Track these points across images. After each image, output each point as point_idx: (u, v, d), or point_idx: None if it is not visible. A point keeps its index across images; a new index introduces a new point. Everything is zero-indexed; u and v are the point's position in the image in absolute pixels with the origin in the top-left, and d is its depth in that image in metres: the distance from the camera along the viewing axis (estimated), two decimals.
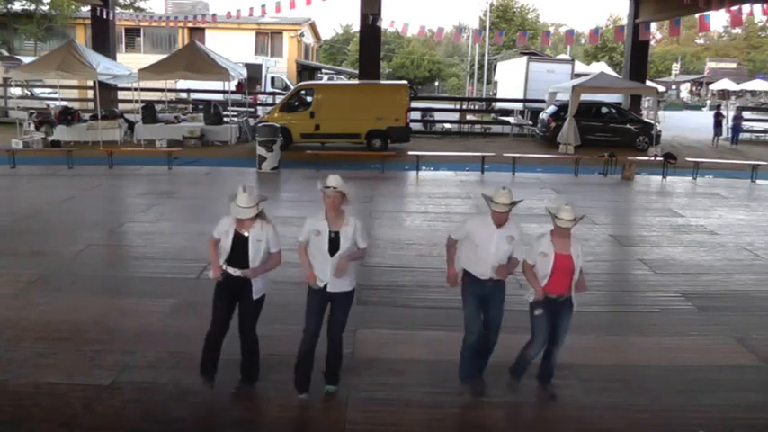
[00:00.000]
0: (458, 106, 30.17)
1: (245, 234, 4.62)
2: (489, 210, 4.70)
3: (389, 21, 23.14)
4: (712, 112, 26.40)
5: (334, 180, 4.53)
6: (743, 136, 23.94)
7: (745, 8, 15.74)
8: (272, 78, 30.96)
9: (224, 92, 22.18)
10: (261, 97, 27.30)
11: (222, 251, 4.70)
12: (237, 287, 4.66)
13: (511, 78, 30.07)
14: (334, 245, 4.56)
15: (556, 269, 4.58)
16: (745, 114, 26.48)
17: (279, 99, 22.38)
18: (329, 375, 4.85)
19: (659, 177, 15.75)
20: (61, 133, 18.79)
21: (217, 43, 28.07)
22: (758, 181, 15.54)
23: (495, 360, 5.15)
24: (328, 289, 4.59)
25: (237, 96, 23.52)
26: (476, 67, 47.31)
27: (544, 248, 4.63)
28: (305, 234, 4.66)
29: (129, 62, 23.67)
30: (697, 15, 19.17)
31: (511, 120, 25.61)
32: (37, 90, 27.53)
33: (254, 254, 4.62)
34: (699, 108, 46.83)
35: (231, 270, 4.64)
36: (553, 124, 20.77)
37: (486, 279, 4.68)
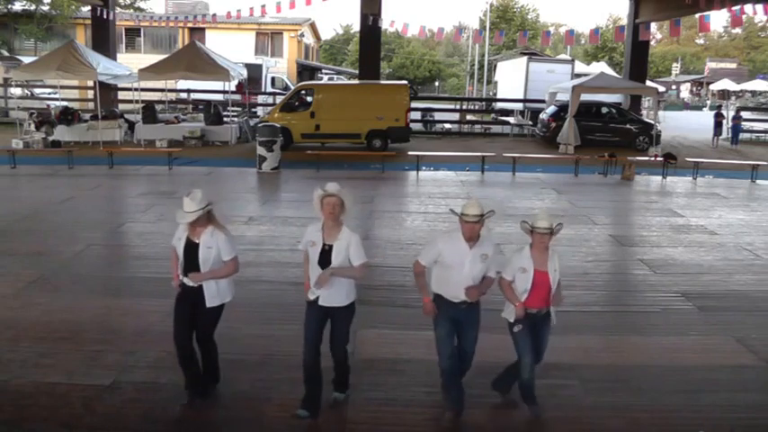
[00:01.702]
0: (458, 106, 30.19)
1: (196, 241, 4.50)
2: (459, 225, 4.39)
3: (389, 21, 23.14)
4: (713, 113, 26.41)
5: (333, 187, 4.34)
6: (743, 136, 23.96)
7: (746, 8, 15.74)
8: (273, 78, 30.97)
9: (222, 92, 22.21)
10: (260, 98, 27.26)
11: (179, 259, 4.61)
12: (194, 296, 4.53)
13: (511, 78, 30.06)
14: (325, 258, 4.36)
15: (535, 284, 4.39)
16: (745, 114, 26.52)
17: (279, 99, 22.40)
18: (336, 383, 4.75)
19: (659, 177, 15.75)
20: (61, 133, 18.79)
21: (217, 43, 28.07)
22: (758, 181, 15.54)
23: (495, 360, 5.15)
24: (320, 303, 4.41)
25: (237, 96, 23.53)
26: (476, 67, 47.33)
27: (524, 264, 4.40)
28: (303, 243, 4.52)
29: (130, 62, 23.68)
30: (697, 15, 19.21)
31: (511, 120, 25.61)
32: (37, 90, 27.55)
33: (203, 261, 4.47)
34: (699, 108, 46.82)
35: (186, 280, 4.51)
36: (553, 124, 20.78)
37: (460, 302, 4.40)
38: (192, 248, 4.51)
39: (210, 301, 4.53)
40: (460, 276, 4.34)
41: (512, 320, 4.45)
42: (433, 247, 4.52)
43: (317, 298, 4.39)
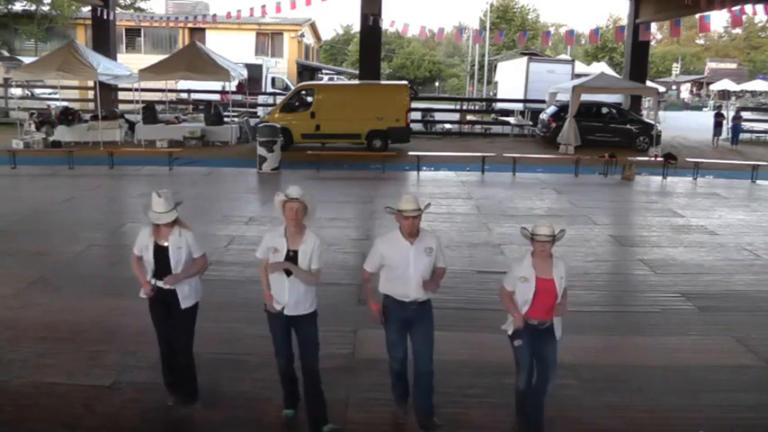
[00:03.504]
0: (458, 107, 30.18)
1: (165, 244, 4.42)
2: (398, 223, 4.27)
3: (390, 21, 23.14)
4: (713, 113, 26.39)
5: (295, 191, 4.15)
6: (743, 136, 23.95)
7: (746, 8, 15.74)
8: (273, 79, 30.97)
9: (221, 92, 22.23)
10: (260, 98, 27.27)
11: (147, 266, 4.50)
12: (169, 300, 4.46)
13: (511, 79, 30.06)
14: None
15: (538, 293, 4.16)
16: (746, 115, 26.50)
17: (279, 99, 22.41)
18: (314, 422, 4.32)
19: (659, 177, 15.75)
20: (62, 133, 18.79)
21: (217, 44, 28.07)
22: (758, 181, 15.54)
23: (496, 361, 5.15)
24: (286, 312, 4.25)
25: (238, 97, 23.55)
26: (476, 67, 47.33)
27: (524, 272, 4.18)
28: (263, 251, 4.32)
29: (130, 62, 23.68)
30: (697, 16, 19.21)
31: (511, 120, 25.60)
32: (37, 90, 27.56)
33: (175, 262, 4.41)
34: (699, 108, 46.81)
35: (160, 283, 4.43)
36: (553, 124, 20.77)
37: (410, 301, 4.28)
38: (161, 252, 4.42)
39: (185, 302, 4.47)
40: (407, 275, 4.24)
41: (510, 333, 4.28)
42: (375, 252, 4.39)
43: (283, 308, 4.25)
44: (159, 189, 4.49)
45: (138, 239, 4.57)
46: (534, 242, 4.18)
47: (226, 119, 20.85)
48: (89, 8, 24.04)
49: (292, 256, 4.20)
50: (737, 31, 67.85)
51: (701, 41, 74.10)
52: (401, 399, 4.60)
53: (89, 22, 25.61)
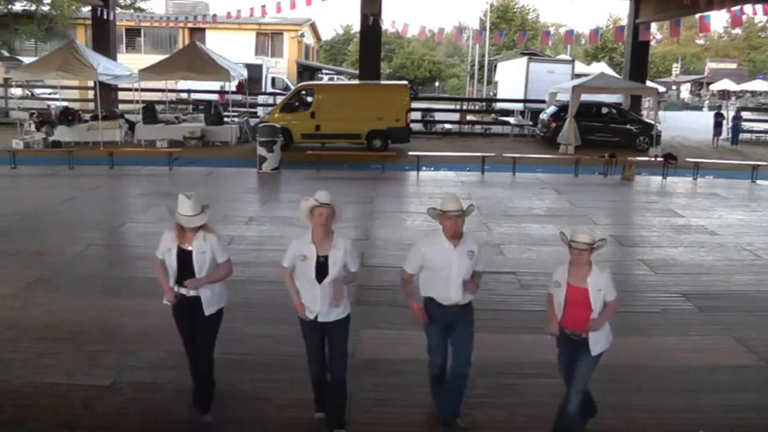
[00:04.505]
0: (458, 107, 30.19)
1: (188, 248, 4.28)
2: (440, 224, 4.24)
3: (390, 21, 23.22)
4: (711, 113, 26.38)
5: (325, 195, 4.06)
6: (743, 136, 23.96)
7: (746, 8, 15.74)
8: (273, 79, 30.99)
9: (220, 92, 22.22)
10: (260, 98, 27.27)
11: (169, 270, 4.35)
12: (193, 306, 4.32)
13: (511, 79, 30.08)
14: (321, 270, 4.12)
15: (568, 301, 4.03)
16: (745, 115, 26.50)
17: (279, 99, 22.41)
18: (333, 422, 4.34)
19: (659, 178, 15.75)
20: (62, 134, 18.80)
21: (217, 44, 28.09)
22: (758, 181, 15.54)
23: (496, 361, 5.16)
24: (319, 319, 4.19)
25: (238, 97, 23.55)
26: (476, 67, 47.36)
27: (558, 277, 4.11)
28: (289, 259, 4.22)
29: (130, 62, 23.69)
30: (697, 16, 19.21)
31: (511, 120, 25.61)
32: (37, 90, 27.56)
33: (199, 267, 4.27)
34: (699, 108, 46.82)
35: (183, 290, 4.30)
36: (553, 124, 20.78)
37: (451, 304, 4.24)
38: (184, 256, 4.29)
39: (209, 309, 4.34)
40: (449, 278, 4.19)
41: (549, 336, 4.22)
42: (416, 253, 4.34)
43: (316, 316, 4.19)
44: (187, 192, 4.37)
45: (161, 243, 4.41)
46: (571, 249, 4.06)
47: (226, 119, 20.86)
48: (89, 8, 24.05)
49: (322, 263, 4.11)
50: (737, 31, 67.99)
51: (701, 41, 74.16)
52: (445, 414, 4.47)
53: (89, 22, 25.62)
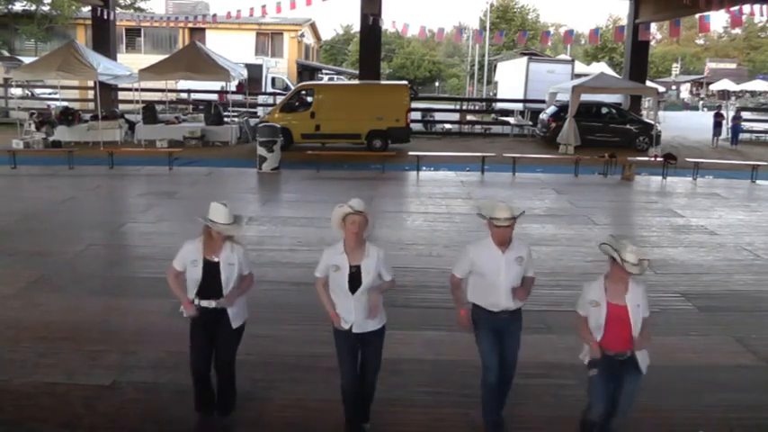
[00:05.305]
0: (458, 107, 30.18)
1: (215, 260, 4.14)
2: (489, 230, 4.15)
3: (390, 21, 23.25)
4: (711, 113, 26.38)
5: (359, 203, 3.98)
6: (743, 136, 23.96)
7: (745, 8, 15.75)
8: (273, 79, 30.99)
9: (220, 92, 22.22)
10: (260, 98, 27.27)
11: (190, 282, 4.20)
12: (215, 318, 4.21)
13: (511, 79, 30.07)
14: (354, 280, 4.02)
15: (609, 320, 3.82)
16: (745, 115, 26.50)
17: (279, 99, 22.41)
18: (363, 413, 4.41)
19: (659, 178, 15.75)
20: (62, 133, 18.80)
21: (217, 44, 28.10)
22: (758, 181, 15.54)
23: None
24: (354, 330, 4.08)
25: (238, 97, 23.55)
26: (476, 67, 47.37)
27: (595, 296, 3.86)
28: (322, 269, 4.12)
29: (130, 62, 23.69)
30: (697, 16, 19.24)
31: (511, 120, 25.61)
32: (38, 90, 27.57)
33: (226, 280, 4.15)
34: (696, 108, 46.85)
35: (206, 303, 4.15)
36: (553, 124, 20.78)
37: (500, 311, 4.17)
38: (211, 268, 4.14)
39: (236, 322, 4.26)
40: (498, 284, 4.12)
41: (587, 361, 3.97)
42: (464, 258, 4.28)
43: (351, 326, 4.09)
44: (220, 200, 4.23)
45: (182, 254, 4.23)
46: (614, 264, 3.80)
47: (226, 119, 20.86)
48: (89, 8, 24.05)
49: (355, 272, 4.03)
50: (737, 31, 68.04)
51: (701, 41, 74.18)
52: (495, 413, 4.39)
53: (89, 22, 25.62)
